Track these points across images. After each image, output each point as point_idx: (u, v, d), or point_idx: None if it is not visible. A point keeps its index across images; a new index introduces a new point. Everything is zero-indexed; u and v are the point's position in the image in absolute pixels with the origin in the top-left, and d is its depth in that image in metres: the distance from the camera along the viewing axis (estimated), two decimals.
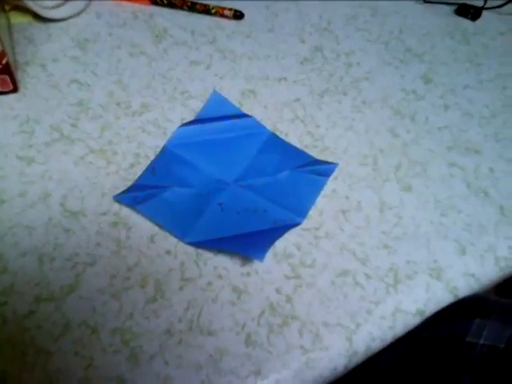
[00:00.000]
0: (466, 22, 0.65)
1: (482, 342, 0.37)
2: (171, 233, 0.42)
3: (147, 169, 0.45)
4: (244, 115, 0.49)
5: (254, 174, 0.46)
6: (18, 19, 0.56)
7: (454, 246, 0.44)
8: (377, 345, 0.39)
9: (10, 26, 0.54)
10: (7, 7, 0.55)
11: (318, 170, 0.46)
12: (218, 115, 0.49)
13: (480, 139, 0.52)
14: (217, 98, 0.50)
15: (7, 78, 0.48)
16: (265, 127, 0.49)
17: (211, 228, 0.42)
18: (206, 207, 0.43)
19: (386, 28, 0.63)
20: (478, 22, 0.64)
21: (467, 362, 0.37)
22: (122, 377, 0.35)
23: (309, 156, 0.48)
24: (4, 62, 0.46)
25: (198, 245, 0.41)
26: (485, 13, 0.64)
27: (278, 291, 0.40)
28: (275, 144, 0.48)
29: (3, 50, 0.46)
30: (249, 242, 0.41)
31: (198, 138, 0.47)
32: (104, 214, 0.42)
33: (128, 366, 0.36)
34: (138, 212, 0.43)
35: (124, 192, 0.43)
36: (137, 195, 0.43)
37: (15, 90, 0.49)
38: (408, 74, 0.58)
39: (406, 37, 0.62)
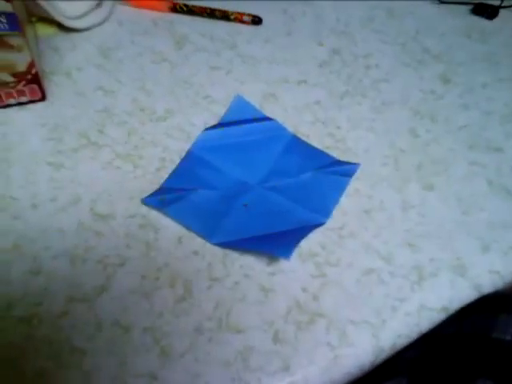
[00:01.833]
0: (482, 22, 0.65)
1: (508, 338, 0.37)
2: (198, 234, 0.43)
3: (173, 172, 0.46)
4: (266, 118, 0.50)
5: (278, 175, 0.47)
6: (43, 30, 0.58)
7: (478, 244, 0.45)
8: (402, 341, 0.40)
9: (36, 37, 0.56)
10: (33, 19, 0.57)
11: (341, 171, 0.47)
12: (241, 119, 0.50)
13: (501, 137, 0.53)
14: (239, 102, 0.51)
15: (36, 87, 0.49)
16: (286, 129, 0.50)
17: (237, 229, 0.43)
18: (231, 209, 0.44)
19: (402, 29, 0.63)
20: (495, 20, 0.65)
21: (493, 357, 0.37)
22: (154, 374, 0.36)
23: (331, 157, 0.49)
24: (33, 72, 0.48)
25: (224, 245, 0.42)
26: (502, 11, 0.64)
27: (304, 290, 0.41)
28: (297, 146, 0.49)
29: (32, 61, 0.47)
30: (275, 242, 0.42)
31: (221, 142, 0.48)
32: (132, 216, 0.44)
33: (159, 364, 0.36)
34: (165, 214, 0.44)
35: (151, 195, 0.45)
36: (164, 198, 0.44)
37: (43, 98, 0.50)
38: (426, 74, 0.58)
39: (422, 38, 0.63)
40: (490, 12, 0.64)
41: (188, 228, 0.43)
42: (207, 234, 0.43)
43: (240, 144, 0.48)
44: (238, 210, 0.44)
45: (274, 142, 0.49)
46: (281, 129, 0.50)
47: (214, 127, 0.49)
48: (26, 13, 0.52)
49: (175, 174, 0.46)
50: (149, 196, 0.44)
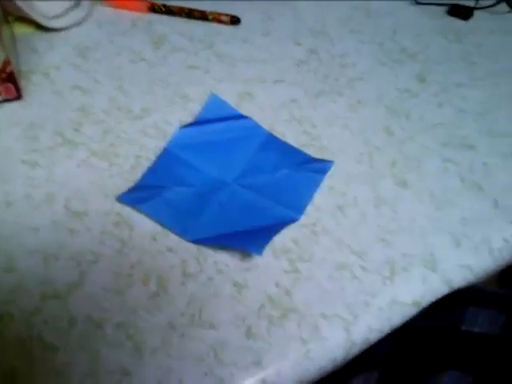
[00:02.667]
0: (458, 22, 0.66)
1: (477, 330, 0.38)
2: (173, 231, 0.43)
3: (148, 170, 0.47)
4: (241, 116, 0.51)
5: (253, 172, 0.47)
6: (21, 30, 0.58)
7: (449, 239, 0.45)
8: (375, 335, 0.40)
9: (13, 37, 0.56)
10: (11, 18, 0.57)
11: (315, 168, 0.48)
12: (217, 117, 0.50)
13: (474, 135, 0.53)
14: (215, 101, 0.51)
15: (11, 86, 0.49)
16: (262, 127, 0.50)
17: (212, 226, 0.43)
18: (206, 206, 0.45)
19: (379, 29, 0.64)
20: (470, 21, 0.66)
21: (461, 349, 0.38)
22: (127, 370, 0.36)
23: (306, 154, 0.49)
24: (8, 70, 0.48)
25: (199, 242, 0.42)
26: (476, 12, 0.65)
27: (277, 285, 0.41)
28: (273, 144, 0.49)
29: (8, 59, 0.47)
30: (248, 238, 0.42)
31: (197, 140, 0.49)
32: (107, 214, 0.44)
33: (132, 359, 0.37)
34: (141, 211, 0.44)
35: (126, 192, 0.45)
36: (139, 195, 0.44)
37: (19, 97, 0.50)
38: (402, 73, 0.59)
39: (399, 37, 0.63)
40: (464, 13, 0.65)
41: (163, 225, 0.43)
42: (182, 231, 0.43)
43: (215, 142, 0.49)
44: (212, 207, 0.45)
45: (249, 140, 0.49)
46: (256, 127, 0.50)
47: (189, 125, 0.50)
48: (3, 12, 0.52)
49: (151, 171, 0.47)
50: (124, 193, 0.45)
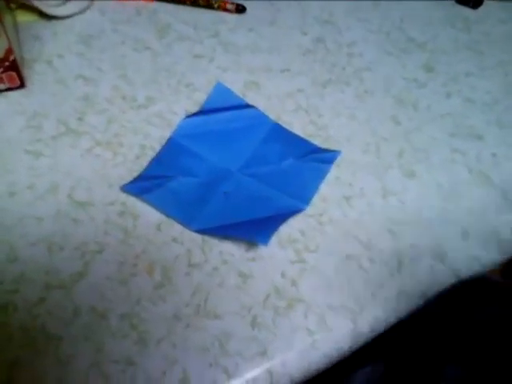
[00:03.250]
0: (466, 11, 0.65)
1: (484, 322, 0.38)
2: (178, 221, 0.43)
3: (153, 159, 0.46)
4: (247, 106, 0.50)
5: (258, 162, 0.46)
6: (23, 17, 0.57)
7: (457, 230, 0.45)
8: (381, 326, 0.40)
9: (16, 25, 0.55)
10: (13, 6, 0.56)
11: (322, 158, 0.47)
12: (222, 106, 0.49)
13: (482, 125, 0.53)
14: (220, 89, 0.51)
15: (14, 74, 0.49)
16: (268, 117, 0.50)
17: (216, 215, 0.43)
18: (211, 195, 0.44)
19: (387, 18, 0.63)
20: (479, 10, 0.65)
21: (470, 342, 0.37)
22: (131, 360, 0.36)
23: (312, 144, 0.48)
24: (11, 58, 0.47)
25: (203, 232, 0.42)
26: (486, 1, 0.64)
27: (283, 275, 0.40)
28: (279, 133, 0.49)
29: (10, 47, 0.47)
30: (253, 228, 0.42)
31: (202, 129, 0.48)
32: (111, 203, 0.43)
33: (137, 350, 0.36)
34: (145, 201, 0.43)
35: (131, 182, 0.44)
36: (143, 185, 0.44)
37: (22, 85, 0.50)
38: (410, 63, 0.58)
39: (407, 26, 0.63)
40: (474, 1, 0.64)
41: (168, 215, 0.43)
42: (187, 220, 0.43)
43: (221, 131, 0.48)
44: (218, 196, 0.44)
45: (255, 130, 0.49)
46: (262, 116, 0.50)
47: (195, 114, 0.49)
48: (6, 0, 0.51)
49: (155, 161, 0.46)
50: (129, 183, 0.44)
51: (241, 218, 0.43)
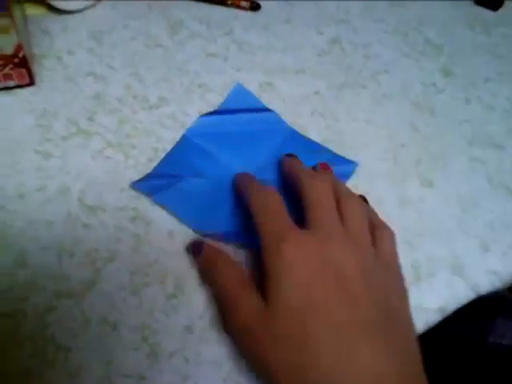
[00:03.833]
0: (486, 13, 0.63)
1: (505, 342, 0.37)
2: (187, 224, 0.41)
3: (166, 157, 0.45)
4: (265, 109, 0.49)
5: (274, 169, 0.45)
6: (32, 11, 0.55)
7: (477, 243, 0.44)
8: None
9: (25, 18, 0.54)
10: None
11: (339, 171, 0.45)
12: (240, 107, 0.48)
13: (502, 133, 0.51)
14: (240, 91, 0.50)
15: (24, 71, 0.47)
16: (285, 122, 0.48)
17: (228, 220, 0.42)
18: (223, 199, 0.43)
19: (403, 19, 0.62)
20: (500, 11, 0.63)
21: (490, 362, 0.37)
22: (142, 374, 0.35)
23: (329, 152, 0.47)
24: (21, 55, 0.46)
25: (213, 237, 0.41)
26: (507, 2, 0.63)
27: None
28: (295, 140, 0.47)
29: (20, 43, 0.45)
30: None
31: (218, 129, 0.47)
32: (123, 208, 0.42)
33: (148, 363, 0.35)
34: (154, 201, 0.42)
35: (142, 180, 0.43)
36: (154, 183, 0.43)
37: (32, 83, 0.48)
38: (427, 66, 0.57)
39: (424, 28, 0.61)
40: (494, 2, 0.62)
41: (177, 216, 0.42)
42: (197, 224, 0.41)
43: (237, 133, 0.47)
44: (230, 201, 0.43)
45: (272, 135, 0.47)
46: (280, 122, 0.48)
47: (210, 113, 0.48)
48: None
49: (168, 158, 0.45)
50: (139, 180, 0.43)
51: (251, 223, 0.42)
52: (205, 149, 0.46)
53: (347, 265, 0.33)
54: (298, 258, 0.33)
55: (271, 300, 0.32)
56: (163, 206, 0.42)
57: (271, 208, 0.36)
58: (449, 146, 0.50)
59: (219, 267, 0.36)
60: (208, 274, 0.38)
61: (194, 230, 0.41)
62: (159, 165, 0.45)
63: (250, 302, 0.33)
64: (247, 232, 0.41)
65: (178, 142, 0.46)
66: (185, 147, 0.46)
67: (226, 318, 0.35)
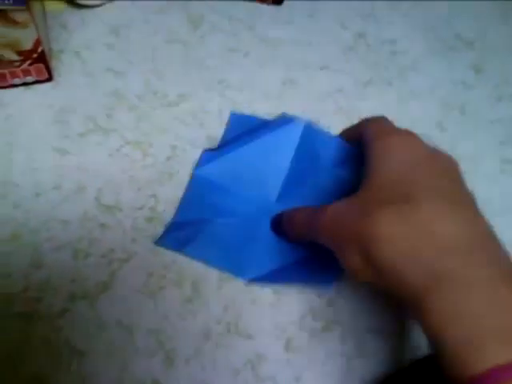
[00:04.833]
0: None
1: None
2: (228, 271, 0.39)
3: (182, 202, 0.42)
4: (267, 122, 0.44)
5: (295, 185, 0.42)
6: (52, 6, 0.55)
7: (509, 250, 0.41)
8: (421, 352, 0.37)
9: (44, 13, 0.53)
10: None
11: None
12: (242, 132, 0.44)
13: None
14: (236, 118, 0.46)
15: (42, 66, 0.46)
16: (294, 123, 0.42)
17: (269, 258, 0.39)
18: (255, 236, 0.40)
19: (432, 13, 0.59)
20: None
21: None
22: (157, 380, 0.34)
23: (346, 146, 0.44)
24: (40, 50, 0.45)
25: (258, 280, 0.38)
26: None
27: (319, 295, 0.38)
28: (312, 138, 0.43)
29: (39, 38, 0.44)
30: (313, 268, 0.38)
31: (227, 162, 0.42)
32: (140, 208, 0.41)
33: (163, 369, 0.34)
34: (186, 255, 0.39)
35: (164, 234, 0.40)
36: (179, 236, 0.39)
37: (50, 78, 0.48)
38: (457, 62, 0.54)
39: (454, 22, 0.59)
40: None
41: (214, 267, 0.39)
42: (236, 270, 0.38)
43: (249, 161, 0.42)
44: (264, 235, 0.40)
45: (282, 152, 0.42)
46: (288, 128, 0.42)
47: (215, 149, 0.44)
48: None
49: (185, 203, 0.41)
50: (162, 236, 0.39)
51: (294, 256, 0.39)
52: (219, 184, 0.42)
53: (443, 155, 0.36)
54: (400, 145, 0.34)
55: (374, 175, 0.32)
56: (197, 259, 0.39)
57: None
58: (479, 147, 0.48)
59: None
60: (304, 230, 0.36)
61: (248, 281, 0.38)
62: (177, 212, 0.41)
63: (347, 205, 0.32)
64: (294, 266, 0.38)
65: (188, 184, 0.43)
66: (199, 186, 0.42)
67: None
